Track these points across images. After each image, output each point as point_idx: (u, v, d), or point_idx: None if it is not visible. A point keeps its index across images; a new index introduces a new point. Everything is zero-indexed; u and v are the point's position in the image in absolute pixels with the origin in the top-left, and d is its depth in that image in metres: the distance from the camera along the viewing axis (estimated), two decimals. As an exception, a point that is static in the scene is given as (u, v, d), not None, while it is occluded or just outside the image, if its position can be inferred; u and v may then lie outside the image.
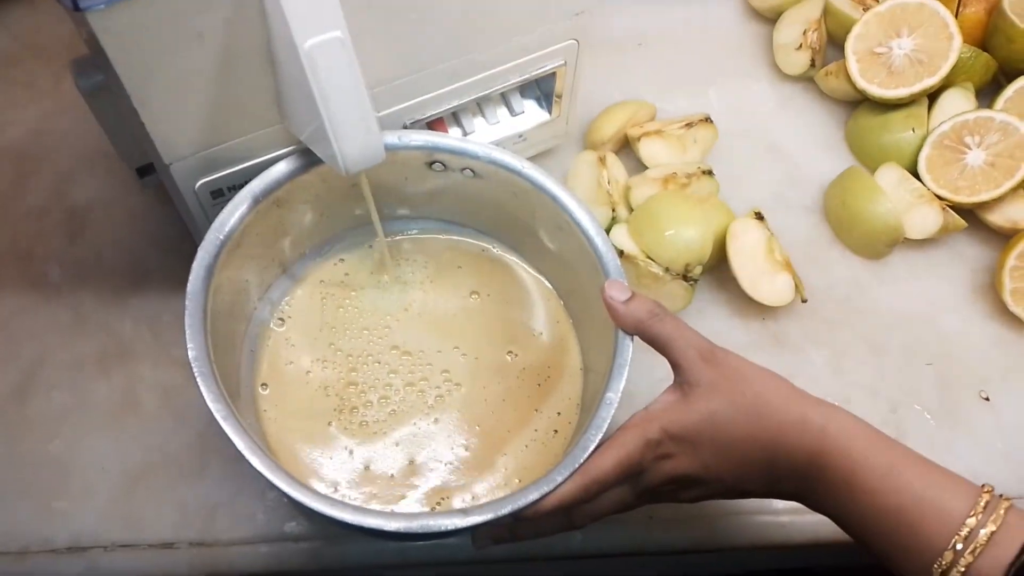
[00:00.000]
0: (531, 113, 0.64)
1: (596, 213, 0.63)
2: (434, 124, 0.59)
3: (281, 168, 0.50)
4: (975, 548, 0.39)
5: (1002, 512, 0.40)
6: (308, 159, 0.51)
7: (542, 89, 0.63)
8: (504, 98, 0.62)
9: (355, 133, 0.45)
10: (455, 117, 0.61)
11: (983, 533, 0.39)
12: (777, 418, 0.44)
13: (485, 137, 0.62)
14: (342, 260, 0.58)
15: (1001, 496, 0.41)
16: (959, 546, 0.40)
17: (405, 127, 0.57)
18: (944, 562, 0.40)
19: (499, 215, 0.57)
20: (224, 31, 0.43)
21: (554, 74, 0.60)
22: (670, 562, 0.59)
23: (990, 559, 0.39)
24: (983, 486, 0.42)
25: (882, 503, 0.42)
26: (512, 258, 0.60)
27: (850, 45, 0.70)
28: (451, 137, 0.54)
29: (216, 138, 0.49)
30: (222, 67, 0.45)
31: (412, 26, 0.50)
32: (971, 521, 0.40)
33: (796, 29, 0.75)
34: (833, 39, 0.76)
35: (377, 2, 0.48)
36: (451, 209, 0.59)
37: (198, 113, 0.47)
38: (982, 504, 0.41)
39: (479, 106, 0.61)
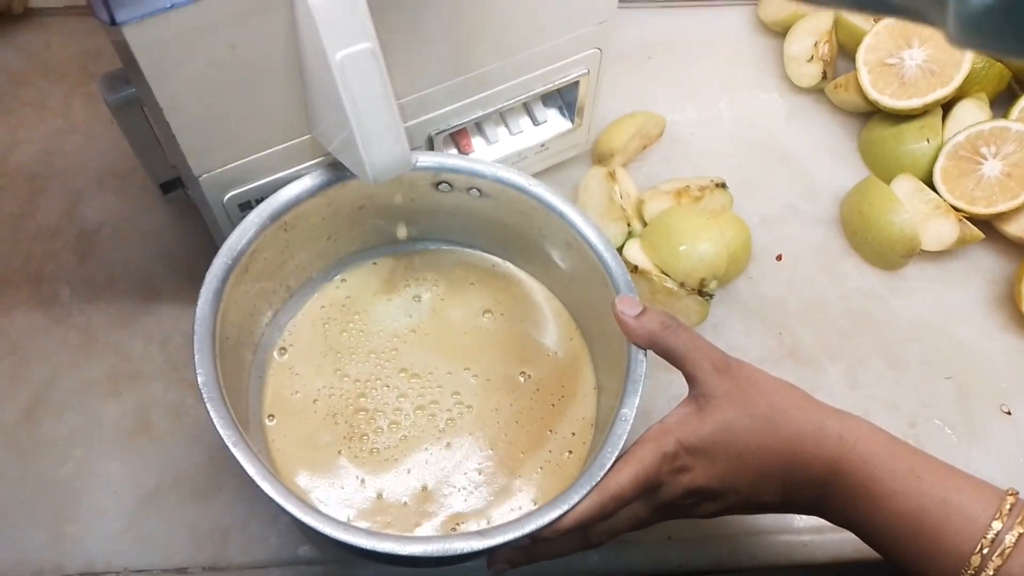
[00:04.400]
0: (553, 122, 0.64)
1: (611, 229, 0.63)
2: (458, 135, 0.59)
3: (289, 192, 0.50)
4: (1003, 551, 0.38)
5: None
6: (316, 183, 0.51)
7: (564, 98, 0.63)
8: (527, 108, 0.62)
9: (384, 143, 0.46)
10: (478, 127, 0.61)
11: (1010, 537, 0.39)
12: (793, 428, 0.43)
13: (508, 147, 0.62)
14: (344, 281, 0.58)
15: None
16: (986, 550, 0.39)
17: (430, 138, 0.57)
18: (972, 567, 0.39)
19: (507, 234, 0.57)
20: (256, 43, 0.44)
21: (577, 83, 0.60)
22: (688, 582, 0.58)
23: (1020, 562, 0.38)
24: (1007, 490, 0.41)
25: (903, 507, 0.41)
26: (523, 275, 0.59)
27: (861, 56, 0.70)
28: (457, 157, 0.53)
29: (246, 150, 0.49)
30: (253, 78, 0.45)
31: (439, 37, 0.50)
32: (996, 524, 0.39)
33: (807, 41, 0.74)
34: (844, 51, 0.75)
35: (405, 14, 0.48)
36: (459, 229, 0.59)
37: (229, 125, 0.47)
38: (1007, 507, 0.40)
39: (502, 116, 0.61)
